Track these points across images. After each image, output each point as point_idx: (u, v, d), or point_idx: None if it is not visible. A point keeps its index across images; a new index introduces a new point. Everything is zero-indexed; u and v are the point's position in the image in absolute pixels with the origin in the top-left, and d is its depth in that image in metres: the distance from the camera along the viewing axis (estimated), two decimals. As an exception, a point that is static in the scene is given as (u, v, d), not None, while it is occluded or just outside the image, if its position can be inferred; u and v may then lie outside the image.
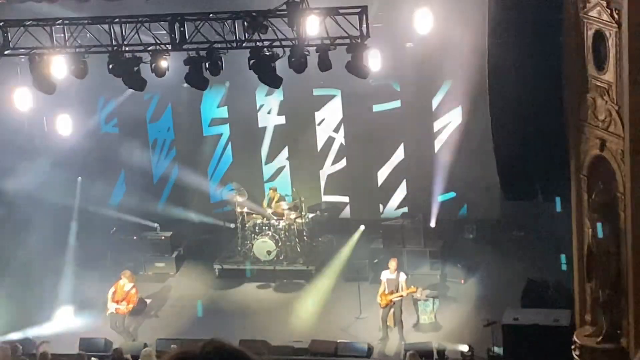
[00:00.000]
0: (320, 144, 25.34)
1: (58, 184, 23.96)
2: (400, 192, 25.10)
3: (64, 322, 21.96)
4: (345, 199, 25.60)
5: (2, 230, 23.44)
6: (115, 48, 17.66)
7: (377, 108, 24.63)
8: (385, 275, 20.76)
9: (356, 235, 22.61)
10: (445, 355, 19.28)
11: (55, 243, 23.46)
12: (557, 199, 17.02)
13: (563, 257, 19.87)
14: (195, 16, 17.65)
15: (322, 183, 25.55)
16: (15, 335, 20.81)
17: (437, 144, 24.28)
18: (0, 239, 23.31)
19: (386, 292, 20.59)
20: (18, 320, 21.80)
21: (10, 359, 19.08)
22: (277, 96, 24.79)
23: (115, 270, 22.37)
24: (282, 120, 25.46)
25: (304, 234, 24.12)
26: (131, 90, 18.87)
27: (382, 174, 25.16)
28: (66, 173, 24.26)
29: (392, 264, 20.80)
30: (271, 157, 25.66)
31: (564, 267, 20.22)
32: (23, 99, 19.75)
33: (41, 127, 23.79)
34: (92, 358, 19.26)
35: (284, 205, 24.14)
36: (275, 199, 24.43)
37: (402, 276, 20.69)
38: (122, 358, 18.81)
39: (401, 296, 20.58)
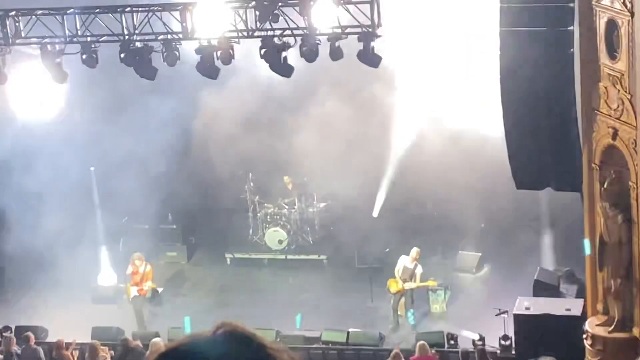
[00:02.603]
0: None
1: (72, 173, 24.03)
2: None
3: (76, 311, 22.04)
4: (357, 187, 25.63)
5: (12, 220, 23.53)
6: (126, 37, 17.69)
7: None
8: (404, 261, 20.70)
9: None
10: (456, 345, 19.28)
11: (67, 232, 23.49)
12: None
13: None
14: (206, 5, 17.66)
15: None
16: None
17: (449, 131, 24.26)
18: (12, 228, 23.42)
19: (399, 277, 20.59)
20: (29, 310, 21.93)
21: (15, 348, 19.15)
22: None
23: (127, 259, 22.48)
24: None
25: (316, 223, 24.15)
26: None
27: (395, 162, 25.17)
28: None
29: (414, 253, 20.72)
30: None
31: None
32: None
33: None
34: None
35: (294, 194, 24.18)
36: (289, 188, 24.46)
37: (419, 269, 20.64)
38: (129, 347, 18.82)
39: (417, 287, 20.57)
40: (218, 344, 2.48)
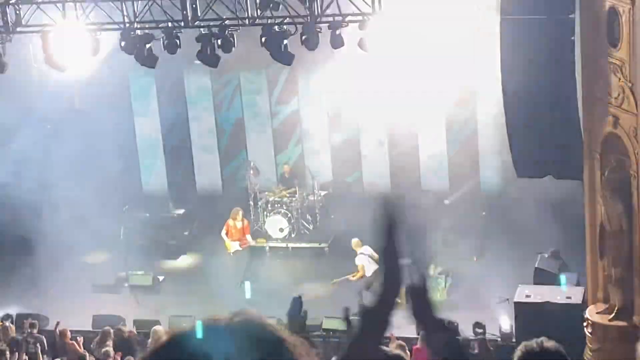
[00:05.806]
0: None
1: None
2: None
3: (77, 299, 22.06)
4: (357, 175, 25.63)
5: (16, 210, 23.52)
6: (127, 25, 17.68)
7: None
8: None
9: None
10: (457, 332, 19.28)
11: (67, 222, 23.47)
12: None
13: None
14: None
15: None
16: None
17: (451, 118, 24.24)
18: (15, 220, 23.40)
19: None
20: (32, 298, 21.94)
21: (10, 335, 19.17)
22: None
23: (128, 248, 22.53)
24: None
25: (317, 211, 24.14)
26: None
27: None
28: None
29: (353, 244, 21.50)
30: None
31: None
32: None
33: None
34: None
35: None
36: (288, 176, 24.44)
37: (359, 259, 21.39)
38: (124, 337, 18.85)
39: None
40: (234, 332, 2.48)
